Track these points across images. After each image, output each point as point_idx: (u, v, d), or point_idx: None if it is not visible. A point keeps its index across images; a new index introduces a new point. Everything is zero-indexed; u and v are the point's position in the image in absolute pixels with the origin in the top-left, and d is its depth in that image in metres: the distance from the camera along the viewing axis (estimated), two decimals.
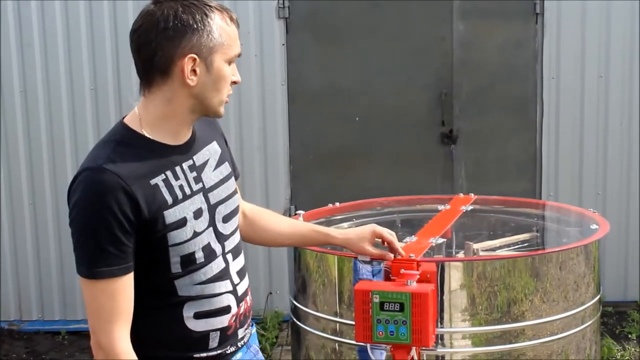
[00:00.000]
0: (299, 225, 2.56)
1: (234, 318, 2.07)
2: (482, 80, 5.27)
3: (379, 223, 2.48)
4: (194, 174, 2.01)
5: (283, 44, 5.21)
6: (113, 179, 1.84)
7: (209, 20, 1.92)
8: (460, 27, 5.20)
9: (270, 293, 5.31)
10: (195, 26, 1.90)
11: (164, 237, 1.92)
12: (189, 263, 1.97)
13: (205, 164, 2.06)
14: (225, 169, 2.13)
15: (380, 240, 2.43)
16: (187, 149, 2.02)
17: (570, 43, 5.19)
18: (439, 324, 2.56)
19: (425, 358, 2.47)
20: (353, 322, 2.40)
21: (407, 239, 2.72)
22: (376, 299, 2.31)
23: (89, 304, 1.89)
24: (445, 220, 3.06)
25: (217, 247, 2.03)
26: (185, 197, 1.97)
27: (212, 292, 2.01)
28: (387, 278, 2.40)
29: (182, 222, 1.94)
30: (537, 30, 5.20)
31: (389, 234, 2.43)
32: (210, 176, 2.06)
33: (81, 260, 1.87)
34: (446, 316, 2.58)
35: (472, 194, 3.46)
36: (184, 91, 1.94)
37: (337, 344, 2.75)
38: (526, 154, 5.33)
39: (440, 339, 2.59)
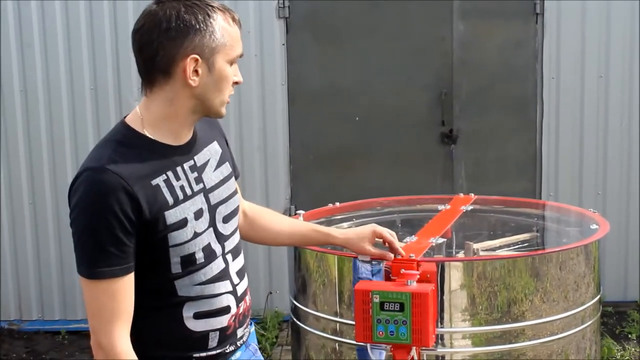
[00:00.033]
0: (299, 225, 2.56)
1: (233, 318, 2.07)
2: (482, 80, 5.27)
3: (379, 223, 2.48)
4: (195, 174, 2.01)
5: (283, 44, 5.21)
6: (114, 179, 1.84)
7: (211, 20, 1.92)
8: (460, 27, 5.20)
9: (270, 293, 5.30)
10: (197, 26, 1.90)
11: (165, 238, 1.92)
12: (189, 263, 1.97)
13: (206, 164, 2.06)
14: (226, 169, 2.12)
15: (380, 240, 2.43)
16: (188, 150, 2.01)
17: (570, 43, 5.18)
18: (439, 324, 2.56)
19: (425, 358, 2.47)
20: (353, 322, 2.40)
21: (407, 239, 2.72)
22: (376, 299, 2.31)
23: (90, 304, 1.88)
24: (445, 220, 3.06)
25: (217, 248, 2.03)
26: (186, 198, 1.97)
27: (212, 292, 2.01)
28: (387, 278, 2.41)
29: (182, 223, 1.94)
30: (537, 30, 5.19)
31: (389, 234, 2.43)
32: (210, 176, 2.06)
33: (82, 260, 1.87)
34: (446, 316, 2.58)
35: (472, 194, 3.46)
36: (186, 91, 1.93)
37: (337, 344, 2.75)
38: (526, 154, 5.33)
39: (440, 339, 2.59)
